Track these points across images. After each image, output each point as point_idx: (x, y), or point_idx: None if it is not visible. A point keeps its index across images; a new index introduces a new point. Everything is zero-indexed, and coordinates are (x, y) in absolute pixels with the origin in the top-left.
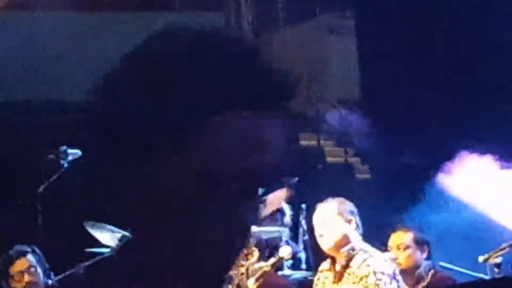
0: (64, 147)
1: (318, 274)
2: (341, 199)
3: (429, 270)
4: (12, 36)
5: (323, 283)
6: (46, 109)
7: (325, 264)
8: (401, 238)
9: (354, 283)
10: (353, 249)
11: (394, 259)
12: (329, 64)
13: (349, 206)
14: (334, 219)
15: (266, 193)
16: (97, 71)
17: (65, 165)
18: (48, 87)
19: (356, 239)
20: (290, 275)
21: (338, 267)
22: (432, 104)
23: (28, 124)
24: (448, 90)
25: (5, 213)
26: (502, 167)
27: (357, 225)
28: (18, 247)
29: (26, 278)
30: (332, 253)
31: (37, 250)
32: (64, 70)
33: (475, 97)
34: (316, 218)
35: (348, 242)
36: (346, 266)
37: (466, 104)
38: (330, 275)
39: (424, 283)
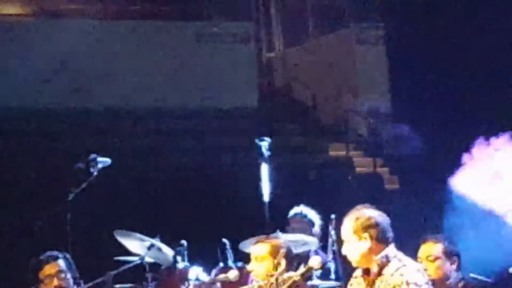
0: (94, 155)
1: (352, 280)
2: (360, 212)
3: (459, 281)
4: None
5: None
6: (78, 117)
7: (359, 271)
8: (430, 249)
9: None
10: (386, 257)
11: (424, 270)
12: (358, 74)
13: (365, 219)
14: (350, 238)
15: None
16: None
17: (95, 173)
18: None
19: (383, 249)
20: (319, 285)
21: (371, 274)
22: (463, 113)
23: (59, 132)
24: (481, 99)
25: (35, 221)
26: None
27: (378, 235)
28: (49, 253)
29: (55, 282)
30: (361, 266)
31: (69, 257)
32: (98, 78)
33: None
34: (342, 232)
35: (370, 257)
36: (378, 274)
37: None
38: (363, 281)
39: None
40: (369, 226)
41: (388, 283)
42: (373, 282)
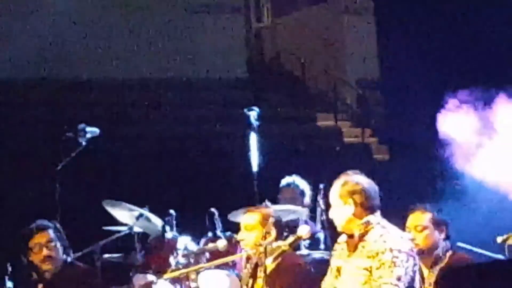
0: (82, 125)
1: (336, 246)
2: (348, 177)
3: (447, 250)
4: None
5: (339, 254)
6: (65, 87)
7: (343, 237)
8: (419, 218)
9: (369, 257)
10: (369, 223)
11: (412, 240)
12: (347, 44)
13: (351, 184)
14: (336, 202)
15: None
16: (116, 50)
17: (84, 143)
18: (68, 66)
19: (367, 215)
20: (308, 255)
21: (353, 239)
22: (451, 84)
23: (47, 102)
24: (468, 69)
25: (24, 191)
26: None
27: (363, 201)
28: (39, 222)
29: (45, 251)
30: (345, 231)
31: (59, 227)
32: (88, 49)
33: (497, 76)
34: (330, 197)
35: (353, 223)
36: (360, 239)
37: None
38: (346, 247)
39: (442, 264)
40: (355, 192)
41: (371, 249)
42: (356, 247)
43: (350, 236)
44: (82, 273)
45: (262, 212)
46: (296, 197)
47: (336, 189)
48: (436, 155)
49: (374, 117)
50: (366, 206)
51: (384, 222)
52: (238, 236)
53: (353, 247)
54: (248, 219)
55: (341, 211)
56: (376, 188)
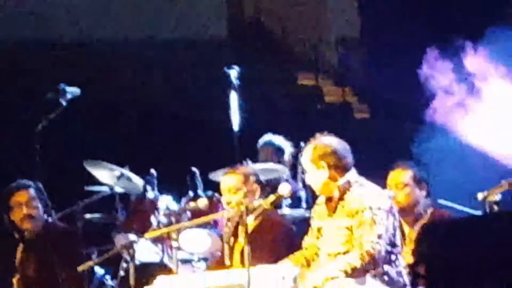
0: (63, 85)
1: (315, 207)
2: (317, 141)
3: (428, 207)
4: None
5: (319, 214)
6: (45, 48)
7: (322, 198)
8: (399, 176)
9: (349, 216)
10: (348, 183)
11: (393, 197)
12: (328, 4)
13: (321, 148)
14: (310, 167)
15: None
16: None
17: (64, 103)
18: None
19: (342, 175)
20: (289, 214)
21: (332, 200)
22: (431, 41)
23: (27, 63)
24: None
25: (4, 152)
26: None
27: (336, 162)
28: (20, 180)
29: (25, 210)
30: (324, 194)
31: (40, 186)
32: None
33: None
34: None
35: (330, 185)
36: (340, 199)
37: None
38: (325, 208)
39: (423, 221)
40: (326, 154)
41: (350, 208)
42: (335, 207)
43: (329, 197)
44: (63, 233)
45: (243, 172)
46: (274, 155)
47: (307, 155)
48: (417, 113)
49: (355, 76)
50: (339, 167)
51: (362, 180)
52: (225, 200)
53: (333, 208)
54: (230, 181)
55: (316, 176)
56: (347, 146)
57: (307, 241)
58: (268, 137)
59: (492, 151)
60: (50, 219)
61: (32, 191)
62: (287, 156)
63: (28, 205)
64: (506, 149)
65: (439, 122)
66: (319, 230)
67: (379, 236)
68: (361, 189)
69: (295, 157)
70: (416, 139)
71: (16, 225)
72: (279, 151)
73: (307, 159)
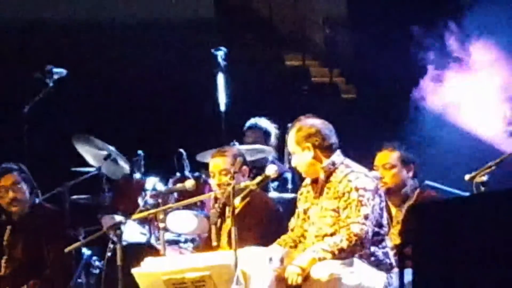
0: (50, 66)
1: (301, 189)
2: (301, 122)
3: (415, 189)
4: None
5: (306, 197)
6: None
7: (307, 180)
8: (387, 157)
9: (335, 198)
10: (333, 164)
11: (380, 178)
12: None
13: (305, 129)
14: (295, 149)
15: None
16: None
17: (51, 84)
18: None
19: (328, 156)
20: (276, 197)
21: (319, 182)
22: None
23: (13, 43)
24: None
25: None
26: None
27: (320, 143)
28: (3, 165)
29: (10, 194)
30: (310, 176)
31: (24, 168)
32: None
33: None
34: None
35: (316, 166)
36: (326, 181)
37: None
38: (311, 190)
39: (410, 202)
40: (310, 135)
41: (336, 190)
42: (322, 189)
43: (315, 180)
44: (50, 214)
45: (232, 153)
46: (260, 138)
47: (292, 137)
48: (404, 94)
49: (341, 57)
50: (324, 147)
51: (348, 161)
52: (213, 181)
53: (319, 190)
54: (220, 162)
55: (301, 157)
56: (331, 127)
57: (293, 222)
58: (253, 120)
59: (479, 132)
60: (37, 200)
61: (16, 174)
62: (273, 139)
63: (13, 189)
64: (493, 130)
65: (426, 103)
66: (305, 212)
67: (366, 217)
68: (347, 170)
69: (281, 139)
70: (403, 120)
71: (3, 208)
72: (265, 133)
73: (292, 141)
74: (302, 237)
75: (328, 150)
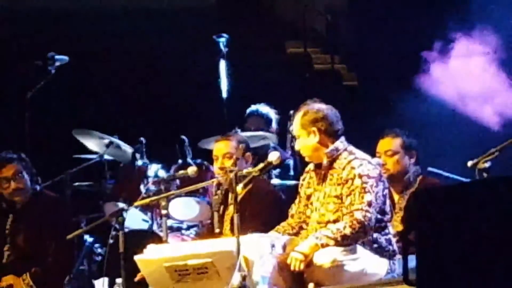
0: (51, 53)
1: (304, 175)
2: (308, 107)
3: (417, 175)
4: None
5: (308, 183)
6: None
7: (311, 165)
8: (389, 143)
9: (339, 184)
10: (336, 150)
11: (383, 165)
12: None
13: (312, 113)
14: (300, 133)
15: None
16: None
17: (53, 71)
18: None
19: (333, 142)
20: (278, 184)
21: (322, 168)
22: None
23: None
24: None
25: None
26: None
27: (327, 128)
28: (4, 154)
29: (13, 185)
30: (313, 161)
31: (24, 157)
32: None
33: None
34: (293, 128)
35: (320, 151)
36: (329, 167)
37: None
38: (315, 176)
39: (412, 189)
40: (317, 120)
41: (340, 176)
42: (325, 175)
43: (318, 166)
44: (51, 202)
45: (236, 139)
46: (261, 125)
47: (298, 120)
48: (406, 80)
49: (343, 44)
50: (330, 132)
51: (351, 147)
52: (217, 165)
53: (322, 176)
54: (224, 147)
55: (306, 141)
56: (338, 113)
57: (294, 208)
58: (254, 107)
59: (481, 118)
60: (38, 188)
61: (16, 164)
62: (274, 125)
63: (15, 179)
64: (494, 116)
65: (428, 90)
66: (308, 198)
67: (369, 204)
68: (350, 156)
69: (283, 125)
70: (405, 107)
71: (5, 197)
72: (267, 120)
73: (297, 125)
74: (303, 223)
75: (333, 135)
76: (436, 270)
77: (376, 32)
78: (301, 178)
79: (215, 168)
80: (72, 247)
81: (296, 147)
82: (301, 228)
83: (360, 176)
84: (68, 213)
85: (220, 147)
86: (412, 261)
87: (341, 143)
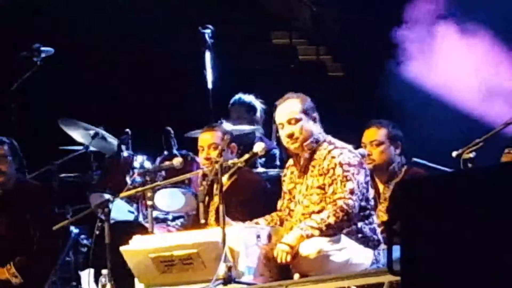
0: (37, 44)
1: (285, 171)
2: (301, 95)
3: (402, 166)
4: None
5: (290, 178)
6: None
7: (290, 160)
8: (374, 134)
9: (321, 174)
10: (316, 141)
11: (368, 155)
12: None
13: (310, 102)
14: (303, 117)
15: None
16: None
17: (39, 62)
18: None
19: (317, 132)
20: (264, 172)
21: (302, 161)
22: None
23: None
24: None
25: None
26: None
27: (316, 118)
28: None
29: None
30: (298, 151)
31: (15, 144)
32: None
33: None
34: (279, 117)
35: (311, 137)
36: (310, 159)
37: None
38: (296, 170)
39: (397, 179)
40: (314, 109)
41: (321, 166)
42: (306, 167)
43: (297, 158)
44: (35, 191)
45: (221, 129)
46: (245, 114)
47: (297, 104)
48: (391, 71)
49: (329, 35)
50: (319, 123)
51: (330, 137)
52: (203, 156)
53: (303, 169)
54: (209, 137)
55: (309, 126)
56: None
57: (280, 203)
58: (237, 96)
59: (466, 108)
60: (22, 177)
61: (5, 147)
62: (259, 114)
63: (1, 161)
64: (480, 106)
65: (413, 80)
66: (290, 192)
67: (352, 192)
68: (330, 147)
69: (269, 116)
70: (390, 97)
71: None
72: (250, 108)
73: (298, 108)
74: (289, 216)
75: (320, 127)
76: (420, 260)
77: (362, 23)
78: (282, 174)
79: (201, 159)
80: (57, 237)
81: (295, 130)
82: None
83: (341, 165)
84: (52, 203)
85: (206, 138)
86: (396, 251)
87: (320, 134)
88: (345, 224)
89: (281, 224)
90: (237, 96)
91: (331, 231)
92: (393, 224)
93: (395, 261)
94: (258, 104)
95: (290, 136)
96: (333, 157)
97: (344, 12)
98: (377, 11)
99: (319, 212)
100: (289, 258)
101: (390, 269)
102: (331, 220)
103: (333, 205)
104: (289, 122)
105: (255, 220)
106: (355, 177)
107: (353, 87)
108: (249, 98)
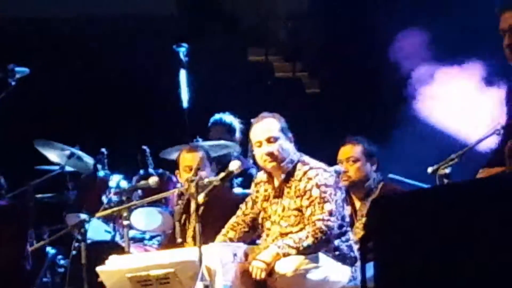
0: (12, 65)
1: (257, 187)
2: (276, 115)
3: (379, 182)
4: None
5: (264, 195)
6: None
7: (262, 175)
8: (350, 150)
9: (297, 196)
10: (291, 162)
11: (344, 172)
12: None
13: (284, 122)
14: (281, 136)
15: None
16: None
17: (13, 83)
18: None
19: (293, 152)
20: (241, 193)
21: (276, 182)
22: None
23: None
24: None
25: None
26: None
27: (292, 139)
28: None
29: None
30: (274, 170)
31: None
32: None
33: None
34: (258, 135)
35: (288, 157)
36: (285, 180)
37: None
38: (270, 188)
39: (374, 195)
40: (288, 128)
41: (298, 188)
42: (282, 190)
43: (270, 177)
44: (7, 210)
45: (203, 148)
46: (225, 134)
47: (275, 123)
48: (367, 88)
49: (305, 52)
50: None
51: (304, 157)
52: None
53: (278, 190)
54: (192, 159)
55: (288, 145)
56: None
57: (243, 208)
58: (218, 116)
59: (443, 125)
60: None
61: None
62: (238, 134)
63: None
64: (457, 123)
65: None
66: (265, 210)
67: (330, 213)
68: (305, 167)
69: (246, 134)
70: (366, 114)
71: None
72: (230, 129)
73: (276, 127)
74: (266, 235)
75: (293, 147)
76: (394, 278)
77: (339, 39)
78: (253, 188)
79: (183, 178)
80: (24, 257)
81: (274, 149)
82: (254, 226)
83: (318, 186)
84: (26, 222)
85: (189, 159)
86: (370, 268)
87: (294, 154)
88: (323, 245)
89: (250, 228)
90: (217, 116)
91: (308, 251)
92: (367, 241)
93: (369, 278)
94: (237, 124)
95: (270, 154)
96: (309, 179)
97: (319, 28)
98: (353, 27)
99: (297, 232)
100: (263, 275)
101: (363, 287)
102: (309, 240)
103: (312, 225)
104: (268, 140)
105: (223, 232)
106: (332, 198)
107: (330, 103)
108: (229, 118)
